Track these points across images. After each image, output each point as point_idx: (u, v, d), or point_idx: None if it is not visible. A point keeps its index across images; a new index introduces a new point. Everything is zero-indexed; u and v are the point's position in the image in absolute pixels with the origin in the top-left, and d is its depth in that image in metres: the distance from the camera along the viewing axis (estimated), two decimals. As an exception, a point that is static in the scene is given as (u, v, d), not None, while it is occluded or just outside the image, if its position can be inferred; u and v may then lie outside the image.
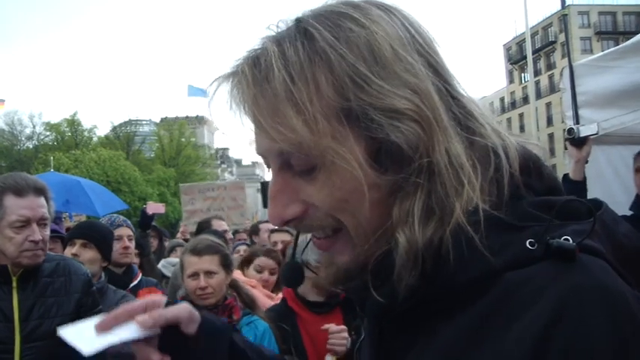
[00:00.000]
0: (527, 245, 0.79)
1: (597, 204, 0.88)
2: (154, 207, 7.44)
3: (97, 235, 3.92)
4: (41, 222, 2.69)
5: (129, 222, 4.75)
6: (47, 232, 2.73)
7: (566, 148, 3.96)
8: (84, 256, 3.73)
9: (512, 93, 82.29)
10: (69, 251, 3.76)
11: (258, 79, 0.83)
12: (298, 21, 0.87)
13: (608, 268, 0.77)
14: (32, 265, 2.68)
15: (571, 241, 0.77)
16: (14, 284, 2.67)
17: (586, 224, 0.81)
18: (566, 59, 4.46)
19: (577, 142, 3.78)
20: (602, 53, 4.69)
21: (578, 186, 3.72)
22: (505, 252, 0.79)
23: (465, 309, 0.79)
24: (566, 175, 3.82)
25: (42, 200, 2.72)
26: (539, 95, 65.82)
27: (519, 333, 0.73)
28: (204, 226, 6.54)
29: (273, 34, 0.88)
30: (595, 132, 3.81)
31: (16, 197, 2.65)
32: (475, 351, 0.77)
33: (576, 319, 0.71)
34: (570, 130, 3.81)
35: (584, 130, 3.81)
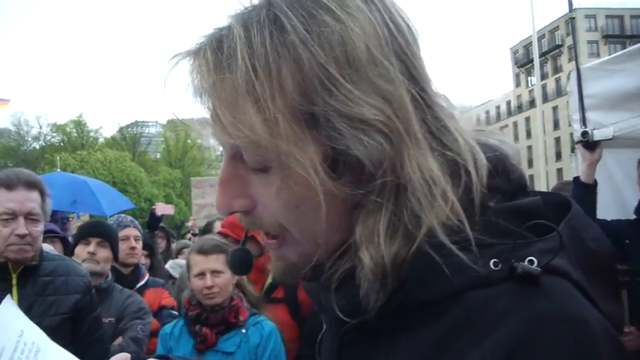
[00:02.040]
0: (491, 265, 0.74)
1: (566, 205, 0.83)
2: (163, 208, 7.50)
3: (111, 234, 3.96)
4: (29, 217, 2.67)
5: (136, 222, 4.76)
6: (38, 227, 2.70)
7: (572, 151, 3.96)
8: (100, 255, 3.76)
9: (519, 96, 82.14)
10: (83, 250, 3.77)
11: (219, 65, 0.75)
12: (269, 4, 0.77)
13: (574, 292, 0.73)
14: (19, 260, 2.66)
15: (536, 263, 0.72)
16: (14, 282, 2.68)
17: (552, 241, 0.75)
18: (573, 63, 4.46)
19: (590, 145, 3.78)
20: (609, 57, 4.69)
21: (589, 189, 3.72)
22: (468, 271, 0.73)
23: (426, 325, 0.75)
24: (577, 178, 3.82)
25: (33, 195, 2.70)
26: (545, 99, 65.70)
27: (481, 357, 0.69)
28: (207, 229, 6.57)
29: (242, 12, 0.79)
30: (610, 136, 3.81)
31: (6, 191, 2.65)
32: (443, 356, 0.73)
33: (537, 347, 0.67)
34: (585, 134, 3.81)
35: (599, 134, 3.81)
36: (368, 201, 0.76)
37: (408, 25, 0.82)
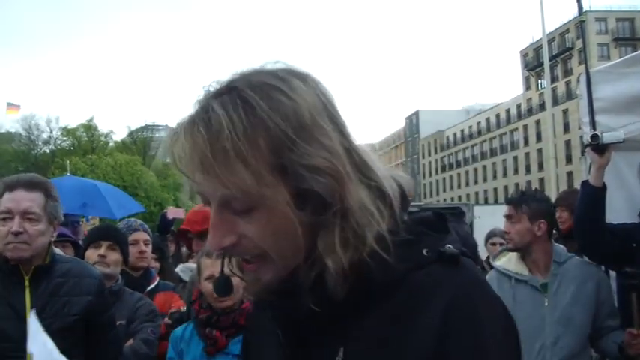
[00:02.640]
0: (424, 253, 1.11)
1: (442, 216, 1.21)
2: (174, 212, 7.53)
3: (122, 237, 4.00)
4: (26, 216, 2.69)
5: (145, 226, 4.77)
6: (36, 227, 2.71)
7: (582, 155, 3.95)
8: (110, 258, 3.79)
9: (529, 100, 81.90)
10: (94, 253, 3.80)
11: (211, 136, 1.01)
12: (235, 88, 1.05)
13: (476, 266, 1.15)
14: (15, 258, 2.69)
15: (452, 248, 1.12)
16: (27, 283, 2.70)
17: (454, 236, 1.17)
18: (583, 66, 4.45)
19: (600, 148, 3.76)
20: (618, 60, 4.67)
21: (598, 193, 3.69)
22: (409, 260, 1.09)
23: (382, 304, 1.08)
24: (585, 182, 3.78)
25: (32, 195, 2.72)
26: (555, 102, 65.44)
27: (426, 319, 1.03)
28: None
29: (213, 94, 1.06)
30: (621, 139, 3.78)
31: (8, 193, 2.70)
32: (394, 333, 1.05)
33: (467, 304, 1.05)
34: (595, 137, 3.78)
35: (609, 137, 3.78)
36: (326, 222, 1.05)
37: (331, 95, 1.13)
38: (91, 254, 3.82)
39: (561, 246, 3.93)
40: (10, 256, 2.68)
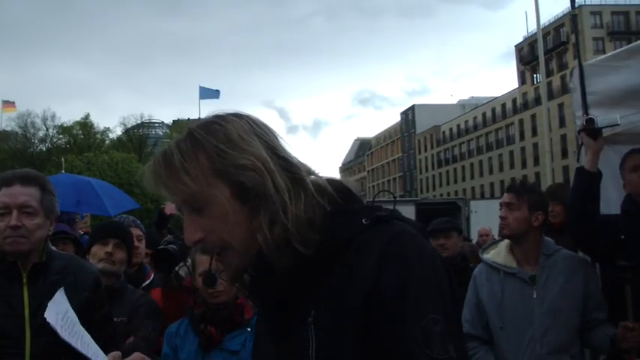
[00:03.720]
0: (363, 221, 1.43)
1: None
2: (172, 208, 7.48)
3: (129, 236, 4.04)
4: (23, 210, 2.70)
5: (138, 222, 4.78)
6: (33, 221, 2.72)
7: (577, 149, 3.95)
8: (117, 256, 3.82)
9: (525, 94, 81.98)
10: (101, 249, 3.82)
11: (165, 161, 1.45)
12: (189, 130, 1.49)
13: (407, 224, 1.46)
14: (14, 252, 2.69)
15: (386, 214, 1.45)
16: (24, 280, 2.71)
17: (386, 210, 1.47)
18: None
19: (594, 132, 3.75)
20: (611, 53, 4.68)
21: (594, 178, 3.69)
22: (350, 227, 1.42)
23: (335, 264, 1.39)
24: (580, 169, 3.77)
25: (28, 189, 2.73)
26: (551, 96, 65.35)
27: (365, 269, 1.36)
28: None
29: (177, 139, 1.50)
30: (617, 122, 3.77)
31: (5, 188, 2.71)
32: (347, 287, 1.37)
33: (395, 247, 1.37)
34: (590, 121, 3.78)
35: (605, 121, 3.77)
36: (257, 208, 1.40)
37: (266, 126, 1.53)
38: (98, 251, 3.83)
39: (550, 239, 3.94)
40: (9, 250, 2.68)
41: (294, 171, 1.46)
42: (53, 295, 2.70)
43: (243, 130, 1.47)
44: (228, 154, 1.42)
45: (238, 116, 1.52)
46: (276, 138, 1.53)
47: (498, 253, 3.92)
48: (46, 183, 2.84)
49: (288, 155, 1.50)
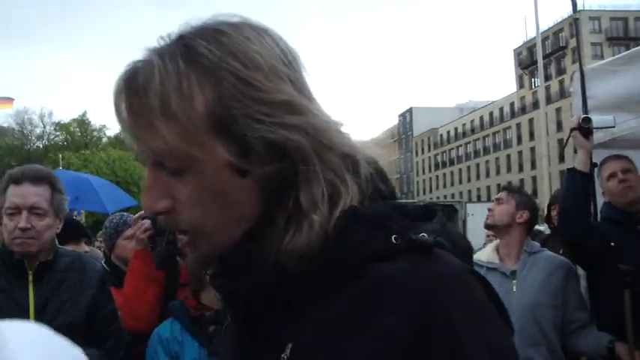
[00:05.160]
0: (393, 240, 0.92)
1: (431, 210, 1.03)
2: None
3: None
4: (33, 210, 2.68)
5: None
6: (43, 222, 2.71)
7: (575, 153, 3.96)
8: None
9: (523, 98, 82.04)
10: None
11: (138, 91, 0.90)
12: (181, 37, 0.94)
13: (455, 259, 0.93)
14: (23, 253, 2.69)
15: (426, 236, 0.92)
16: (30, 278, 2.70)
17: (435, 225, 0.97)
18: (577, 64, 4.46)
19: (589, 132, 3.78)
20: (612, 58, 4.70)
21: (586, 178, 3.73)
22: (371, 244, 0.92)
23: (338, 293, 0.91)
24: (572, 169, 3.79)
25: (38, 189, 2.71)
26: (549, 100, 65.58)
27: (393, 319, 0.86)
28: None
29: (161, 46, 0.94)
30: (612, 124, 3.81)
31: (14, 186, 2.69)
32: (348, 333, 0.88)
33: (444, 300, 0.86)
34: (587, 119, 3.79)
35: (601, 122, 3.80)
36: (288, 194, 0.93)
37: (296, 54, 1.00)
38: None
39: (536, 243, 4.08)
40: (17, 251, 2.68)
41: (338, 139, 0.96)
42: (59, 293, 2.70)
43: (271, 55, 0.94)
44: (260, 84, 0.91)
45: (254, 28, 0.97)
46: (304, 76, 1.01)
47: (483, 252, 4.05)
48: (57, 181, 2.82)
49: (323, 112, 0.99)
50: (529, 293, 3.66)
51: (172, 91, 0.88)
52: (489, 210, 3.97)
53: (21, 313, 2.61)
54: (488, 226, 4.05)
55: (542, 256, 3.83)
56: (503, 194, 3.97)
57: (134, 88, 0.91)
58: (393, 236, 0.92)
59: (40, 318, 2.62)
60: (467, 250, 1.05)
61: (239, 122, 0.89)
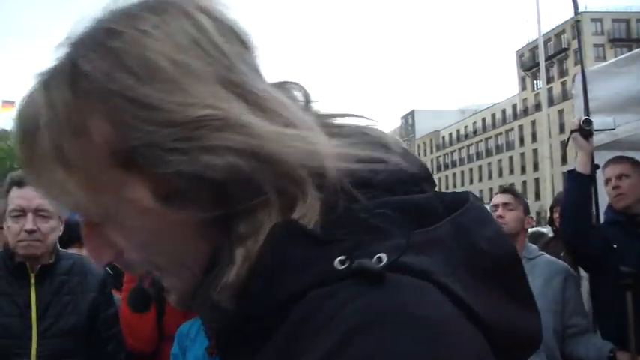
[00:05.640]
0: (337, 263, 0.65)
1: (461, 200, 0.77)
2: None
3: None
4: (39, 213, 2.69)
5: None
6: (48, 224, 2.72)
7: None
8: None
9: (525, 100, 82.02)
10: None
11: (27, 138, 0.72)
12: (68, 50, 0.72)
13: (426, 291, 0.64)
14: (28, 255, 2.69)
15: (385, 259, 0.64)
16: (32, 280, 2.71)
17: (418, 236, 0.68)
18: (579, 66, 4.46)
19: (588, 134, 3.78)
20: (614, 59, 4.69)
21: (587, 180, 3.73)
22: (309, 270, 0.66)
23: (277, 328, 0.68)
24: (572, 171, 3.80)
25: None
26: (551, 102, 65.49)
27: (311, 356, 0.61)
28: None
29: (47, 70, 0.73)
30: (612, 127, 3.82)
31: (17, 188, 2.70)
32: None
33: (362, 342, 0.58)
34: (588, 121, 3.80)
35: (601, 124, 3.81)
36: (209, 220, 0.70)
37: (233, 26, 0.76)
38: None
39: (534, 245, 4.05)
40: (23, 254, 2.68)
41: (294, 151, 0.70)
42: (60, 295, 2.71)
43: (183, 46, 0.70)
44: (153, 108, 0.67)
45: (161, 9, 0.72)
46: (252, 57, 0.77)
47: None
48: None
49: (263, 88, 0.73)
50: None
51: (63, 132, 0.69)
52: (500, 217, 3.83)
53: (23, 316, 2.61)
54: None
55: (540, 261, 3.81)
56: (511, 199, 3.89)
57: (24, 136, 0.72)
58: (339, 258, 0.66)
59: (41, 321, 2.62)
60: (503, 267, 0.75)
61: (145, 156, 0.67)
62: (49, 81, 0.71)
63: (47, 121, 0.69)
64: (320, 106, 0.81)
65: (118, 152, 0.68)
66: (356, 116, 0.81)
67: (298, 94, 0.79)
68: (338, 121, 0.80)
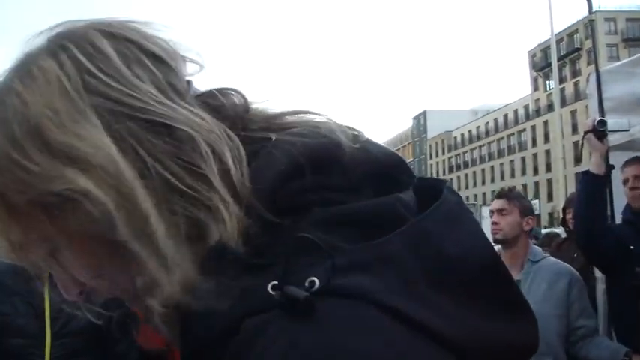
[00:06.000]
0: (269, 289, 0.60)
1: (432, 196, 0.70)
2: None
3: None
4: None
5: None
6: None
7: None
8: None
9: (537, 100, 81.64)
10: None
11: None
12: None
13: (363, 318, 0.58)
14: None
15: (317, 283, 0.59)
16: (46, 282, 2.71)
17: (360, 253, 0.61)
18: (592, 66, 4.44)
19: (603, 135, 3.76)
20: (628, 59, 4.67)
21: (601, 181, 3.70)
22: (242, 298, 0.61)
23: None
24: (586, 172, 3.78)
25: None
26: (564, 102, 65.18)
27: None
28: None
29: None
30: (627, 128, 3.80)
31: None
32: None
33: None
34: (602, 122, 3.77)
35: (615, 125, 3.79)
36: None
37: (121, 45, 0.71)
38: None
39: (537, 247, 4.05)
40: None
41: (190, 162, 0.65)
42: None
43: (60, 93, 0.66)
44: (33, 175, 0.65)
45: (52, 53, 0.69)
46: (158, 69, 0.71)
47: None
48: None
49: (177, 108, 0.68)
50: (532, 304, 3.55)
51: None
52: (494, 224, 3.83)
53: (37, 317, 2.63)
54: (496, 241, 3.86)
55: (545, 263, 3.79)
56: (504, 204, 3.86)
57: None
58: (271, 284, 0.60)
59: (55, 321, 2.64)
60: (476, 274, 0.66)
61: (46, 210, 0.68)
62: None
63: None
64: (269, 105, 0.76)
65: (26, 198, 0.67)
66: (307, 112, 0.75)
67: (237, 99, 0.74)
68: (288, 119, 0.74)
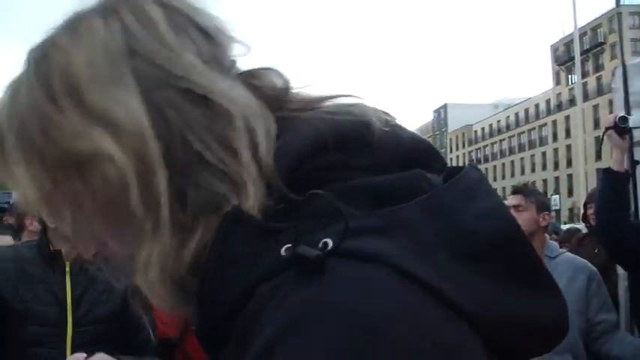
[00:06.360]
0: (283, 252, 0.61)
1: (454, 173, 0.70)
2: None
3: None
4: None
5: None
6: None
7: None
8: None
9: (559, 95, 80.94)
10: None
11: None
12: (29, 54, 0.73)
13: (378, 280, 0.58)
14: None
15: (331, 244, 0.59)
16: (67, 269, 2.74)
17: (374, 218, 0.61)
18: (615, 61, 4.42)
19: (623, 131, 3.71)
20: (655, 53, 4.60)
21: (623, 177, 3.66)
22: (257, 263, 0.62)
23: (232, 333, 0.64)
24: (607, 169, 3.73)
25: None
26: (586, 97, 64.58)
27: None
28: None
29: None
30: None
31: None
32: None
33: (293, 338, 0.55)
34: (624, 119, 3.72)
35: (636, 121, 3.73)
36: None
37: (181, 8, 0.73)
38: None
39: (554, 242, 4.04)
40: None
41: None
42: (95, 284, 2.73)
43: (107, 55, 0.67)
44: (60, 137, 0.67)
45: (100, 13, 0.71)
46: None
47: None
48: None
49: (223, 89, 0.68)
50: None
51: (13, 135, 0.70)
52: None
53: (58, 305, 2.65)
54: None
55: (562, 259, 3.78)
56: (520, 200, 3.85)
57: None
58: (285, 246, 0.61)
59: (77, 309, 2.65)
60: (496, 246, 0.65)
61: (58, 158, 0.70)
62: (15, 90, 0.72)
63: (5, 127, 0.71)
64: (308, 90, 0.76)
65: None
66: (346, 96, 0.75)
67: (278, 81, 0.74)
68: (326, 102, 0.74)
